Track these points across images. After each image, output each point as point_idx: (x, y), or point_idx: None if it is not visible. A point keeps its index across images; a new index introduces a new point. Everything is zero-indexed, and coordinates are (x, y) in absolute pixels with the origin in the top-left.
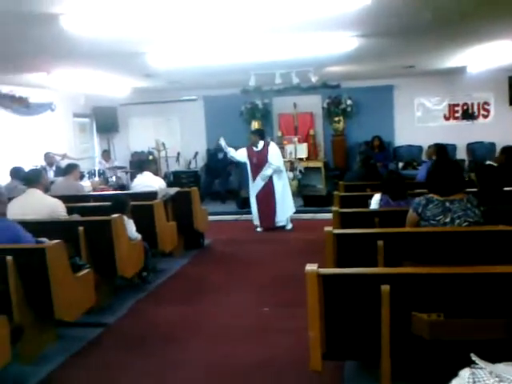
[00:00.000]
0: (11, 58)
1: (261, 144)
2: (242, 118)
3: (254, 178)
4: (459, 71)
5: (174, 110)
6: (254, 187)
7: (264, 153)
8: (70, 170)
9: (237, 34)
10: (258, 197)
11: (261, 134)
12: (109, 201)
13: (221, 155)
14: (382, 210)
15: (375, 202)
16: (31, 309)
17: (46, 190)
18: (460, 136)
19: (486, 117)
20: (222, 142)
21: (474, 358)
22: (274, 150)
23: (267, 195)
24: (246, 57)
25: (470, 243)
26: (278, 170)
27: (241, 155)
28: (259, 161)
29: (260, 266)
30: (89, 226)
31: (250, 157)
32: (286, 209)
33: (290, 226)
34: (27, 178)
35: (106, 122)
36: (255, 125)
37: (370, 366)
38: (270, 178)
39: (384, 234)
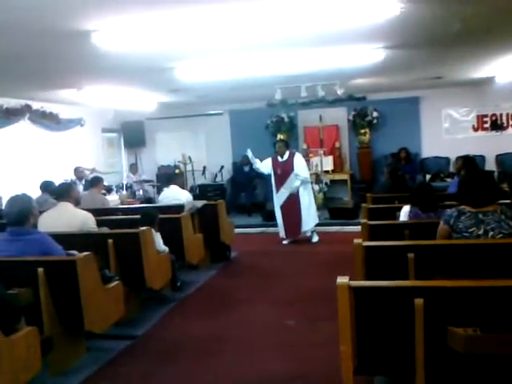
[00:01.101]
0: (43, 74)
1: (286, 154)
2: (267, 131)
3: (278, 189)
4: (487, 82)
5: (200, 124)
6: (279, 198)
7: (289, 163)
8: (94, 183)
9: (262, 47)
10: (282, 208)
11: (287, 143)
12: (137, 214)
13: (246, 168)
14: (412, 222)
15: (404, 214)
16: (61, 320)
17: (77, 204)
18: (488, 147)
19: None
20: (249, 154)
21: None
22: (300, 161)
23: (292, 205)
24: (271, 70)
25: (504, 256)
26: (306, 181)
27: (266, 166)
28: (284, 172)
29: (286, 278)
30: (118, 238)
31: (274, 168)
32: (311, 219)
33: (316, 239)
34: (58, 192)
35: (133, 136)
36: (280, 138)
37: (400, 382)
38: (297, 191)
39: (415, 246)
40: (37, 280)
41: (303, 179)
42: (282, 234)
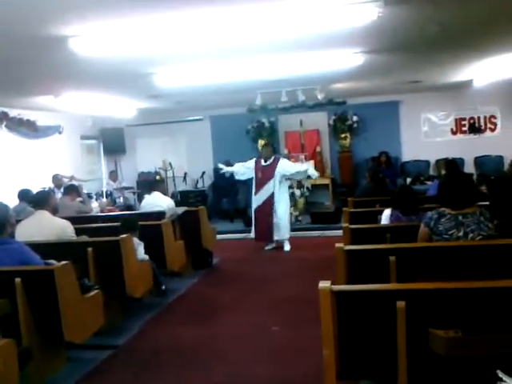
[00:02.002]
0: (19, 81)
1: (271, 159)
2: (248, 136)
3: (257, 192)
4: (465, 85)
5: (180, 130)
6: (256, 201)
7: (272, 168)
8: (67, 191)
9: (242, 52)
10: (256, 211)
11: (274, 148)
12: (117, 221)
13: (227, 174)
14: (393, 225)
15: (385, 217)
16: (40, 331)
17: (55, 212)
18: (467, 150)
19: (492, 130)
20: (221, 166)
21: (500, 374)
22: (286, 163)
23: (266, 211)
24: (252, 75)
25: (484, 257)
26: (302, 171)
27: (247, 170)
28: (264, 176)
29: (269, 284)
30: (97, 246)
31: (256, 170)
32: (285, 229)
33: (287, 248)
34: (35, 200)
35: (113, 143)
36: (262, 143)
37: None
38: (272, 194)
39: (396, 249)
40: (14, 290)
41: (298, 171)
42: (253, 236)
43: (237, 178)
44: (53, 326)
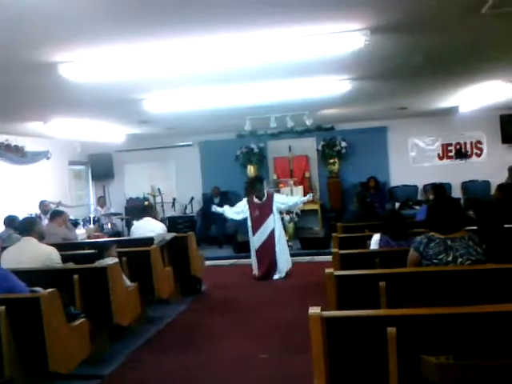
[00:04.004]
0: (8, 107)
1: (264, 196)
2: (237, 162)
3: (255, 232)
4: (451, 111)
5: (169, 155)
6: (255, 241)
7: (268, 204)
8: (53, 216)
9: (232, 78)
10: (258, 251)
11: (261, 181)
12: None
13: (217, 200)
14: (383, 250)
15: (375, 242)
16: (24, 361)
17: (41, 238)
18: (454, 175)
19: (479, 155)
20: (215, 209)
21: None
22: (281, 197)
23: (269, 249)
24: (241, 101)
25: (473, 282)
26: (297, 203)
27: (240, 211)
28: (262, 213)
29: (259, 311)
30: (84, 273)
31: (251, 210)
32: (285, 263)
33: (276, 276)
34: (21, 227)
35: (101, 168)
36: (251, 169)
37: None
38: (273, 231)
39: (386, 274)
40: None
41: (295, 202)
42: (256, 272)
43: (230, 217)
44: (37, 355)
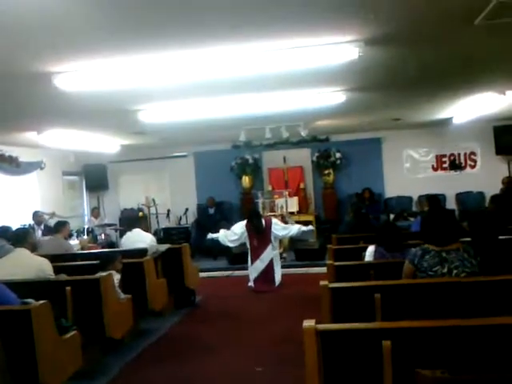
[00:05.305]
0: (2, 117)
1: (263, 224)
2: (232, 173)
3: (254, 261)
4: (445, 123)
5: (164, 166)
6: (254, 270)
7: (266, 233)
8: (58, 228)
9: (227, 89)
10: (256, 280)
11: (259, 215)
12: (97, 259)
13: (211, 211)
14: (378, 262)
15: (369, 253)
16: (14, 374)
17: (33, 250)
18: (449, 186)
19: (473, 167)
20: (210, 236)
21: None
22: (279, 226)
23: (268, 276)
24: (236, 112)
25: (469, 294)
26: (299, 233)
27: (238, 237)
28: (260, 243)
29: (254, 323)
30: (76, 285)
31: (250, 238)
32: (279, 274)
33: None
34: (14, 238)
35: (95, 179)
36: (246, 179)
37: None
38: (271, 261)
39: (381, 286)
40: None
41: (295, 233)
42: (251, 285)
43: (225, 245)
44: (28, 368)
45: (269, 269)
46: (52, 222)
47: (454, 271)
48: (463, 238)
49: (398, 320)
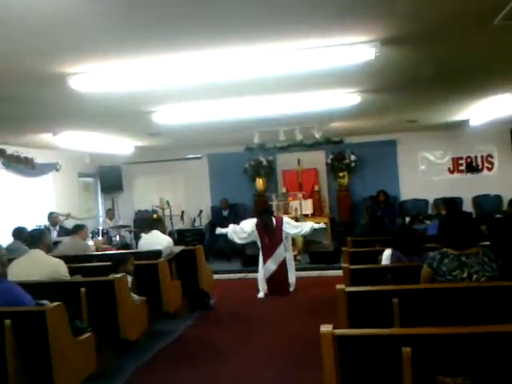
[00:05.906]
0: (18, 119)
1: (273, 223)
2: (246, 175)
3: (265, 261)
4: (462, 125)
5: (178, 168)
6: (265, 270)
7: (279, 231)
8: (76, 230)
9: (241, 91)
10: (269, 280)
11: (269, 211)
12: (111, 261)
13: (225, 212)
14: (395, 265)
15: (386, 257)
16: (29, 376)
17: (48, 251)
18: (465, 189)
19: (490, 169)
20: (219, 231)
21: None
22: (290, 224)
23: (281, 276)
24: (250, 114)
25: (490, 299)
26: (311, 230)
27: (248, 235)
28: (272, 242)
29: (268, 326)
30: (91, 286)
31: (261, 237)
32: (293, 277)
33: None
34: (29, 239)
35: (110, 181)
36: (259, 182)
37: None
38: (284, 260)
39: (399, 291)
40: (3, 332)
41: (307, 231)
42: (261, 294)
43: (234, 241)
44: (43, 370)
45: (282, 271)
46: (67, 224)
47: (474, 276)
48: (482, 242)
49: (416, 325)
